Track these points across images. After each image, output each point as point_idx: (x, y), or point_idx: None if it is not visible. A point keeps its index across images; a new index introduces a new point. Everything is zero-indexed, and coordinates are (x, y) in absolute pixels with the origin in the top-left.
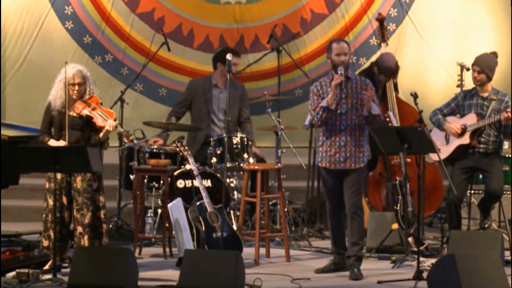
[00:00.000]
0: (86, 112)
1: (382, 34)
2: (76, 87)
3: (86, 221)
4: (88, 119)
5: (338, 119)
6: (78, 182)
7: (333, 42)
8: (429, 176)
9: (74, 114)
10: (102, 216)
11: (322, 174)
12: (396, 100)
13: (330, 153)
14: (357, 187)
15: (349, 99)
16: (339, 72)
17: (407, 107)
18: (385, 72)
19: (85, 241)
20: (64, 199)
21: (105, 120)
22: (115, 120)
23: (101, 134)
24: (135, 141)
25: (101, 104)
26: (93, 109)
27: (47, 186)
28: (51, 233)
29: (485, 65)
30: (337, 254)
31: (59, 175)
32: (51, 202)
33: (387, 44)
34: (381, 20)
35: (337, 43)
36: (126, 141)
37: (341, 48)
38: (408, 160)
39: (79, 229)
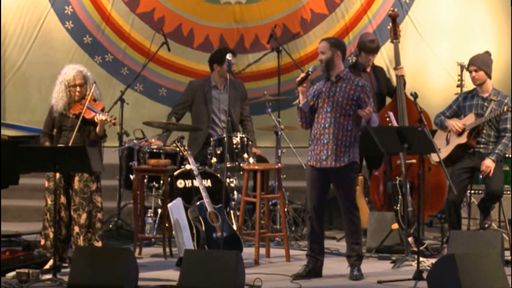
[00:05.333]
0: (79, 110)
1: (395, 31)
2: (78, 88)
3: (82, 221)
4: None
5: (323, 117)
6: (76, 182)
7: None
8: (433, 178)
9: (72, 116)
10: (101, 217)
11: (308, 172)
12: (405, 99)
13: (316, 151)
14: (345, 186)
15: (335, 98)
16: (309, 69)
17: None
18: (362, 47)
19: (80, 241)
20: (63, 199)
21: (92, 112)
22: (102, 109)
23: (97, 129)
24: (135, 141)
25: (94, 100)
26: (83, 104)
27: (46, 185)
28: (49, 232)
29: (480, 62)
30: (312, 258)
31: (57, 175)
32: (49, 201)
33: (399, 42)
34: (394, 17)
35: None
36: (109, 123)
37: (319, 47)
38: (413, 160)
39: (76, 229)
